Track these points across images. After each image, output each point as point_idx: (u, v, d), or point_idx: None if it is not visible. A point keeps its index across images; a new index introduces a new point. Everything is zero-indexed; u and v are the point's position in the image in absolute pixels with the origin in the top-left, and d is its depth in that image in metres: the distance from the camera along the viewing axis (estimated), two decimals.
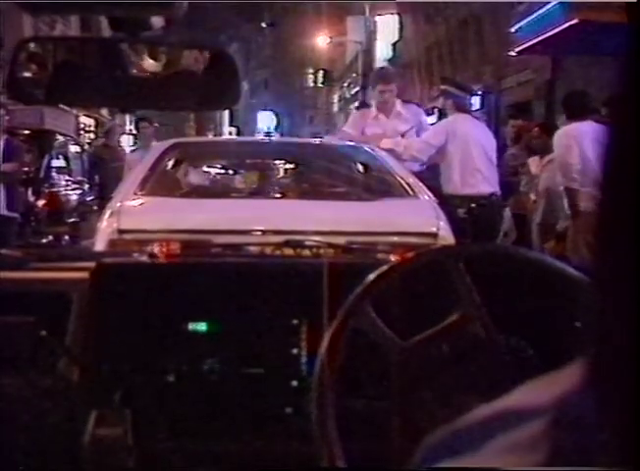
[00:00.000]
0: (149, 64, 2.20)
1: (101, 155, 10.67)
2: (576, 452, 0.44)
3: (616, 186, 0.42)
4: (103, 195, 9.86)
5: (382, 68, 8.42)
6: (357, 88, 41.80)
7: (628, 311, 0.40)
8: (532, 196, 8.06)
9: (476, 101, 22.11)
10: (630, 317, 0.40)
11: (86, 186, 11.92)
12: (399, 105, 7.15)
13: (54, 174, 11.90)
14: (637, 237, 0.40)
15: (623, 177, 0.41)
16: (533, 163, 8.22)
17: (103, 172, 10.38)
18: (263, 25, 55.21)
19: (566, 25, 12.02)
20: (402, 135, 6.88)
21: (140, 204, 5.14)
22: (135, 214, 4.92)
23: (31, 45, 2.18)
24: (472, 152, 6.51)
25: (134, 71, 2.18)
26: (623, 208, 0.41)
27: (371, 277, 1.97)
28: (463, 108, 6.76)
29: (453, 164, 6.49)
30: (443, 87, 7.02)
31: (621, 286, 0.41)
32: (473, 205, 6.42)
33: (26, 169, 9.36)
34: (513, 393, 0.51)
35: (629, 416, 0.41)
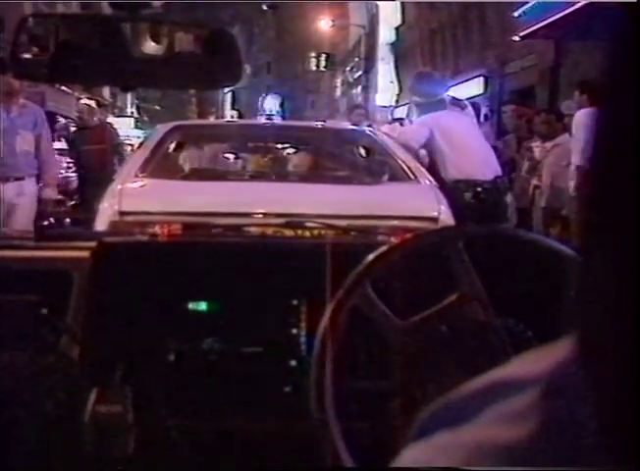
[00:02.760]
0: (150, 45, 2.20)
1: (77, 139, 10.28)
2: (567, 423, 0.45)
3: (606, 167, 0.42)
4: (83, 186, 9.60)
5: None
6: (360, 72, 41.72)
7: (618, 287, 0.41)
8: (534, 181, 8.06)
9: (479, 86, 22.10)
10: (620, 293, 0.41)
11: None
12: None
13: (55, 156, 11.86)
14: (629, 213, 0.41)
15: (614, 158, 0.42)
16: (537, 148, 8.21)
17: (79, 156, 9.97)
18: (264, 7, 55.04)
19: (571, 9, 11.99)
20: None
21: (141, 186, 5.15)
22: (137, 196, 4.92)
23: (33, 24, 2.18)
24: (463, 140, 6.57)
25: (136, 50, 2.18)
26: (613, 189, 0.42)
27: (371, 257, 1.98)
28: (433, 109, 6.85)
29: (446, 153, 6.55)
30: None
31: (610, 262, 0.41)
32: (479, 189, 6.47)
33: None
34: (506, 365, 0.52)
35: (620, 388, 0.41)
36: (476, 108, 8.35)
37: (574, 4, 11.81)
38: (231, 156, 7.20)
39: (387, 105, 32.16)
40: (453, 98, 7.21)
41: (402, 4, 33.68)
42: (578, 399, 0.44)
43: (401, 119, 10.01)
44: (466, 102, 7.46)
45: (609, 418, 0.42)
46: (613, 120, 0.42)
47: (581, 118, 6.68)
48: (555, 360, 0.48)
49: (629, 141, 0.41)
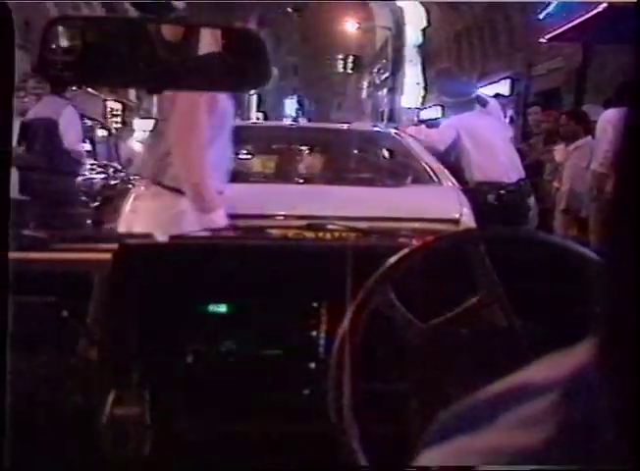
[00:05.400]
0: (176, 47, 2.20)
1: None
2: (584, 427, 0.45)
3: (630, 170, 0.42)
4: None
5: None
6: (387, 74, 41.72)
7: None
8: (555, 184, 8.05)
9: (506, 88, 22.06)
10: None
11: (111, 170, 11.96)
12: None
13: None
14: None
15: (637, 161, 0.41)
16: (559, 151, 8.19)
17: None
18: (289, 9, 55.19)
19: (596, 10, 11.93)
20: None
21: None
22: None
23: (59, 27, 2.19)
24: (489, 142, 6.57)
25: (161, 53, 2.18)
26: (637, 191, 0.41)
27: (392, 260, 1.97)
28: (463, 109, 6.84)
29: (472, 155, 6.55)
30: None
31: (634, 266, 0.41)
32: (502, 192, 6.47)
33: None
34: (525, 369, 0.52)
35: (638, 391, 0.41)
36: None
37: (599, 5, 11.76)
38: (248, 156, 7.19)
39: (413, 107, 32.15)
40: (478, 96, 7.19)
41: (426, 7, 33.65)
42: (596, 404, 0.44)
43: (433, 119, 10.02)
44: (487, 97, 7.38)
45: (626, 421, 0.42)
46: (633, 120, 0.42)
47: (606, 120, 6.64)
48: (573, 365, 0.48)
49: None
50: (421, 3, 33.08)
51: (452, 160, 6.67)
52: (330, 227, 2.90)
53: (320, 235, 3.15)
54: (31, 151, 7.81)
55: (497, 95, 9.18)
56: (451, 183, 5.36)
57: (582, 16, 12.57)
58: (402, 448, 1.81)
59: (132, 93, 23.64)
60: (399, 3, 36.50)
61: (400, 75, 38.38)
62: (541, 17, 15.30)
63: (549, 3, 14.39)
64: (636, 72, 0.43)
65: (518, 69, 21.95)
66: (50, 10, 14.60)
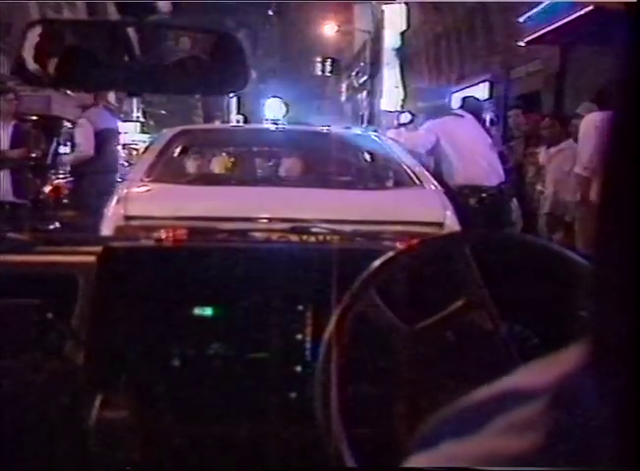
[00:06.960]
0: (156, 50, 2.20)
1: None
2: (574, 433, 0.45)
3: (616, 173, 0.42)
4: None
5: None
6: (365, 77, 41.67)
7: (629, 294, 0.41)
8: (538, 187, 8.07)
9: (485, 91, 22.11)
10: (631, 300, 0.41)
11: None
12: None
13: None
14: (637, 222, 0.41)
15: (623, 163, 0.42)
16: (542, 153, 8.21)
17: None
18: (270, 12, 55.13)
19: (576, 14, 11.97)
20: None
21: (147, 191, 5.16)
22: (142, 200, 4.93)
23: (39, 29, 2.18)
24: (468, 146, 6.60)
25: (142, 56, 2.18)
26: (623, 193, 0.42)
27: (377, 263, 1.97)
28: (439, 114, 6.91)
29: (451, 158, 6.59)
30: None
31: (622, 270, 0.41)
32: (484, 195, 6.50)
33: (33, 155, 9.23)
34: (514, 375, 0.52)
35: (628, 399, 0.41)
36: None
37: (580, 10, 11.80)
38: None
39: (392, 110, 32.11)
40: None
41: (408, 9, 33.64)
42: (586, 409, 0.44)
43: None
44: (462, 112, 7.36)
45: (616, 425, 0.42)
46: (621, 123, 0.42)
47: (589, 124, 6.64)
48: (562, 369, 0.47)
49: (635, 144, 0.41)
50: (405, 4, 33.04)
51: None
52: (314, 230, 2.91)
53: (304, 238, 3.16)
54: (103, 157, 8.33)
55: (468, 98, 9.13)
56: (433, 186, 5.37)
57: (562, 19, 12.61)
58: (389, 451, 1.81)
59: (112, 95, 23.54)
60: (382, 6, 36.43)
61: (379, 78, 38.34)
62: (522, 20, 15.32)
63: (533, 6, 14.40)
64: (623, 74, 0.43)
65: (497, 72, 21.98)
66: (32, 12, 14.52)
